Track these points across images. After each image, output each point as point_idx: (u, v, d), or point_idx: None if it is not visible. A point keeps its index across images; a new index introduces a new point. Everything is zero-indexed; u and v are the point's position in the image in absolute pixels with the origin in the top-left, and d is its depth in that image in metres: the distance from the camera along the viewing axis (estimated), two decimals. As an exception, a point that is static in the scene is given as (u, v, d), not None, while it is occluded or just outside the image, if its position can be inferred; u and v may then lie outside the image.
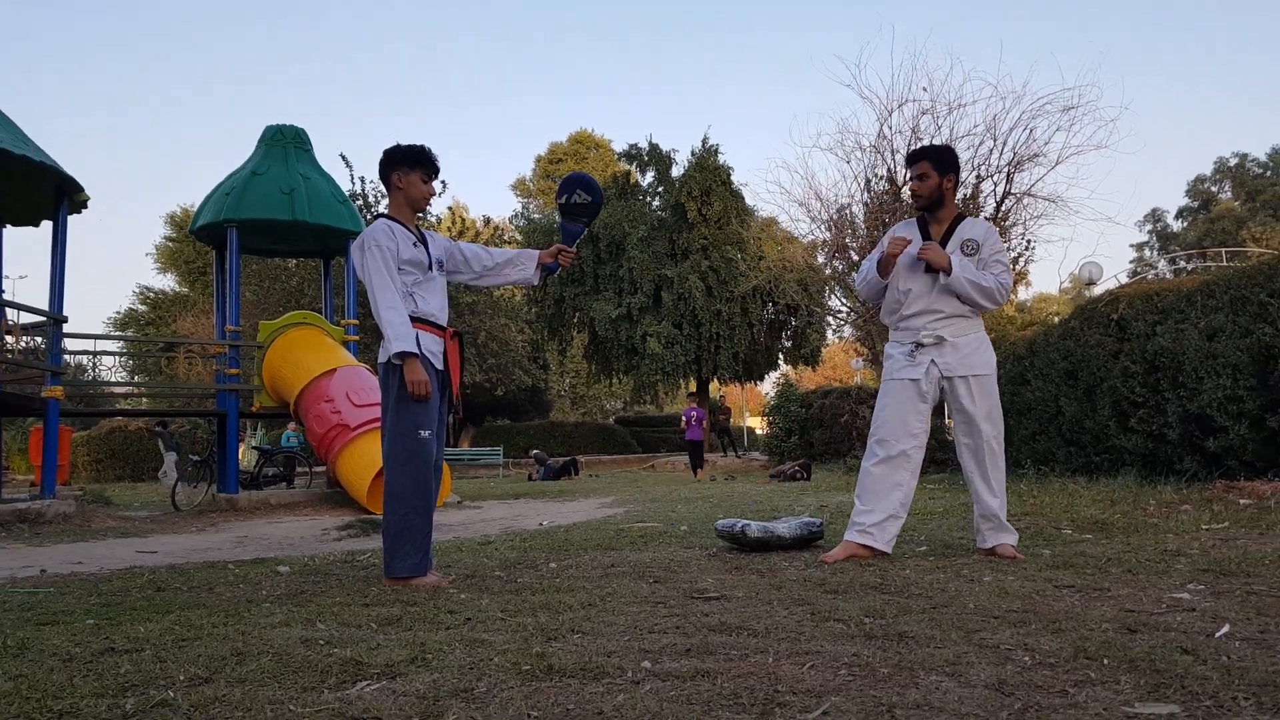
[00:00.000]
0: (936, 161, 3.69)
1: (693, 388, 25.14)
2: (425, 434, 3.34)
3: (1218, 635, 1.95)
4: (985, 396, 3.66)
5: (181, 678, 1.93)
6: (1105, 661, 1.74)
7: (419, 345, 3.37)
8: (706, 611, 2.50)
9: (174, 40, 76.06)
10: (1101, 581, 2.79)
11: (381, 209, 21.41)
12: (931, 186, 3.67)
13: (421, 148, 3.51)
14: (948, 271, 3.56)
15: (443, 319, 3.54)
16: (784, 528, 3.97)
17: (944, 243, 3.66)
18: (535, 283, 3.85)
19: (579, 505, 9.12)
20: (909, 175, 3.79)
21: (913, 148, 11.04)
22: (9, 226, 9.63)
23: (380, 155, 3.52)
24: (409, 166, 3.48)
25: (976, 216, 10.82)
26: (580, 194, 3.79)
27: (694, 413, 16.18)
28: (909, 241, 3.66)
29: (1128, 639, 1.93)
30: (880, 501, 3.60)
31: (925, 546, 3.96)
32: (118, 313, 34.81)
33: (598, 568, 3.59)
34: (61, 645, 2.31)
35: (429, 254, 3.51)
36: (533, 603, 2.76)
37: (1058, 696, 1.54)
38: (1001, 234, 11.11)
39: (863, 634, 2.09)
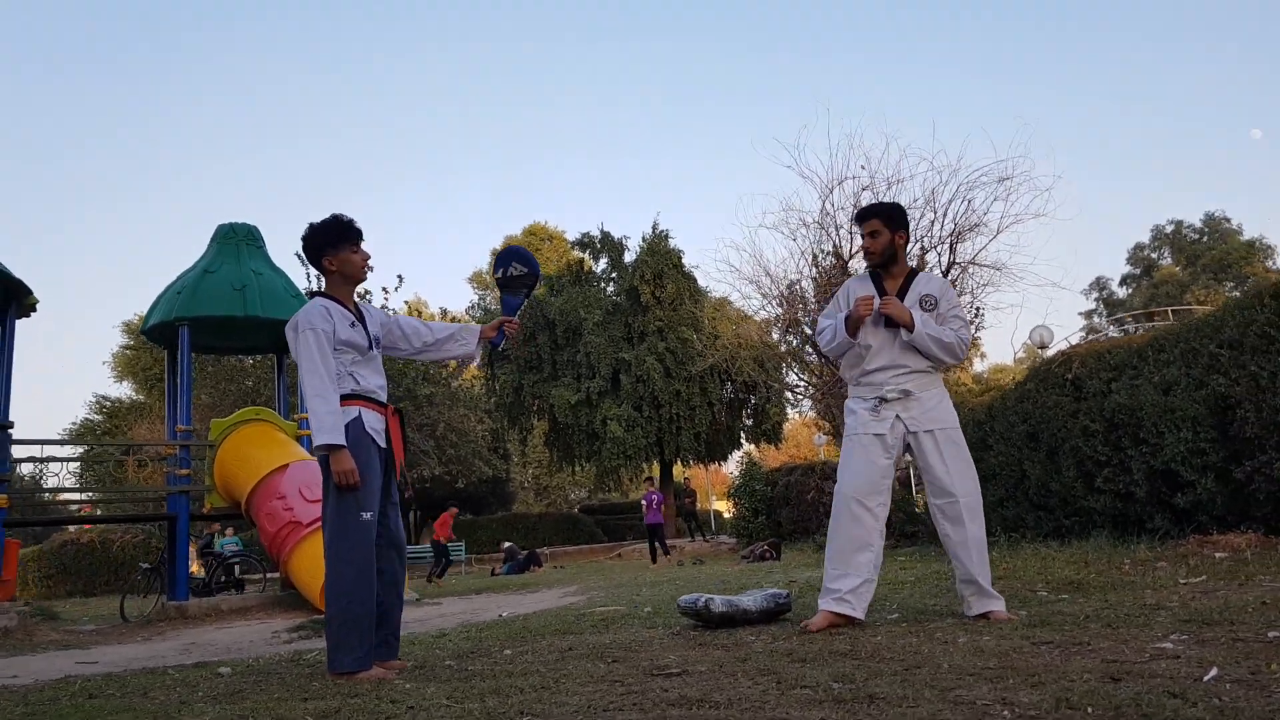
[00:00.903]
0: (886, 219, 3.68)
1: (655, 472, 24.89)
2: (366, 516, 3.17)
3: (1206, 679, 1.84)
4: (954, 450, 3.56)
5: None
6: (1089, 710, 1.62)
7: (363, 423, 3.24)
8: (666, 688, 2.33)
9: (130, 145, 76.59)
10: (1081, 636, 2.68)
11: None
12: (884, 243, 3.65)
13: (337, 219, 3.36)
14: (910, 328, 3.52)
15: (383, 396, 3.41)
16: (749, 601, 3.81)
17: (901, 298, 3.63)
18: (477, 359, 3.75)
19: (541, 596, 8.82)
20: (862, 234, 3.77)
21: (849, 221, 11.28)
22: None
23: (300, 243, 3.39)
24: (336, 242, 3.34)
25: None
26: (516, 266, 3.78)
27: (654, 496, 16.14)
28: (873, 298, 3.63)
29: (1112, 687, 1.81)
30: (853, 565, 3.47)
31: (897, 614, 3.82)
32: (73, 423, 34.02)
33: (554, 651, 3.39)
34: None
35: (367, 332, 3.39)
36: (481, 689, 2.57)
37: (1042, 750, 1.41)
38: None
39: (831, 699, 1.95)
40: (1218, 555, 4.79)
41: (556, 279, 26.11)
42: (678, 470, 27.51)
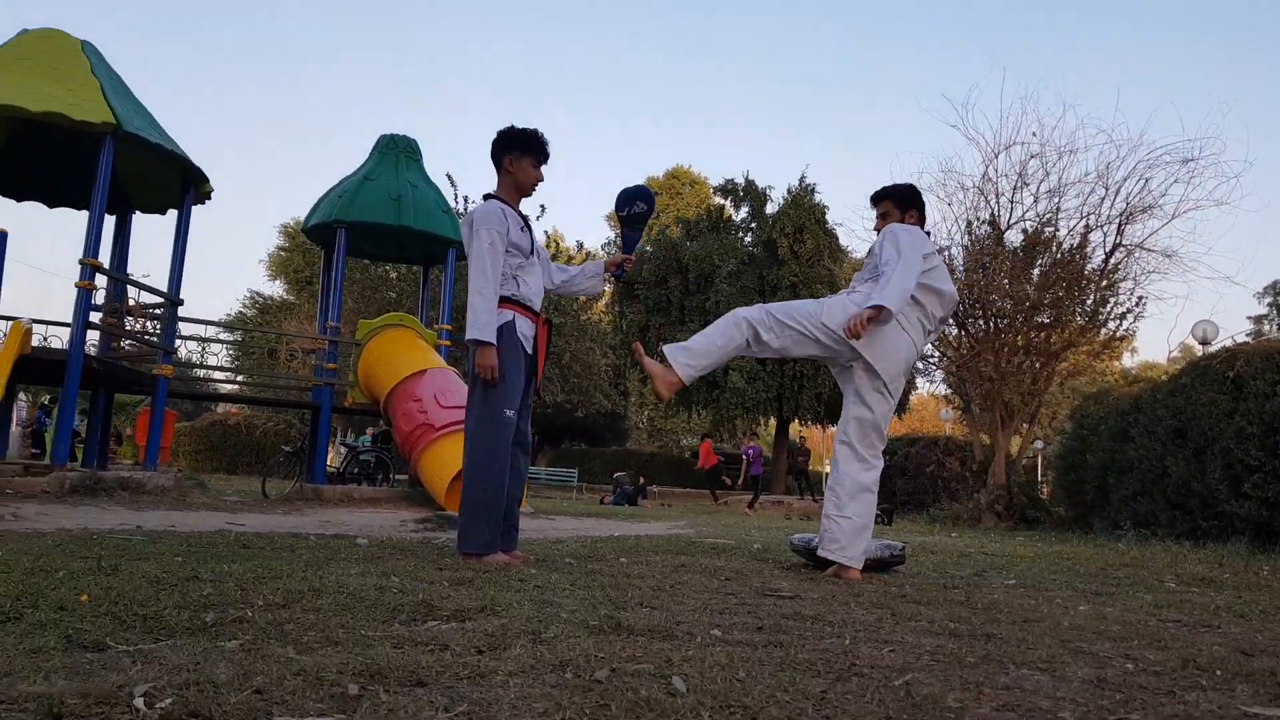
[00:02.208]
0: (898, 200, 3.76)
1: (771, 427, 24.77)
2: (509, 413, 3.35)
3: (1347, 667, 1.78)
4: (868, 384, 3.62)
5: (260, 602, 1.96)
6: (1218, 673, 1.61)
7: (515, 328, 3.41)
8: (779, 605, 2.42)
9: (299, 54, 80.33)
10: (1211, 620, 2.59)
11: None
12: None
13: (535, 132, 3.55)
14: (866, 322, 3.36)
15: (538, 304, 3.58)
16: (864, 548, 3.83)
17: None
18: (599, 291, 3.94)
19: (651, 525, 9.05)
20: (877, 214, 3.85)
21: (1012, 188, 10.75)
22: (138, 214, 10.22)
23: (494, 136, 3.57)
24: (521, 151, 3.52)
25: (1081, 268, 10.49)
26: (639, 205, 3.89)
27: (751, 450, 16.51)
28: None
29: (1242, 659, 1.77)
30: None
31: (1014, 580, 3.77)
32: (228, 314, 36.60)
33: (668, 566, 3.53)
34: (151, 571, 2.39)
35: (532, 239, 3.56)
36: (602, 582, 2.72)
37: (1164, 696, 1.42)
38: (1110, 287, 10.66)
39: (947, 632, 1.99)
40: (1373, 573, 4.47)
41: (694, 223, 26.00)
42: (794, 428, 27.27)
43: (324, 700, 1.18)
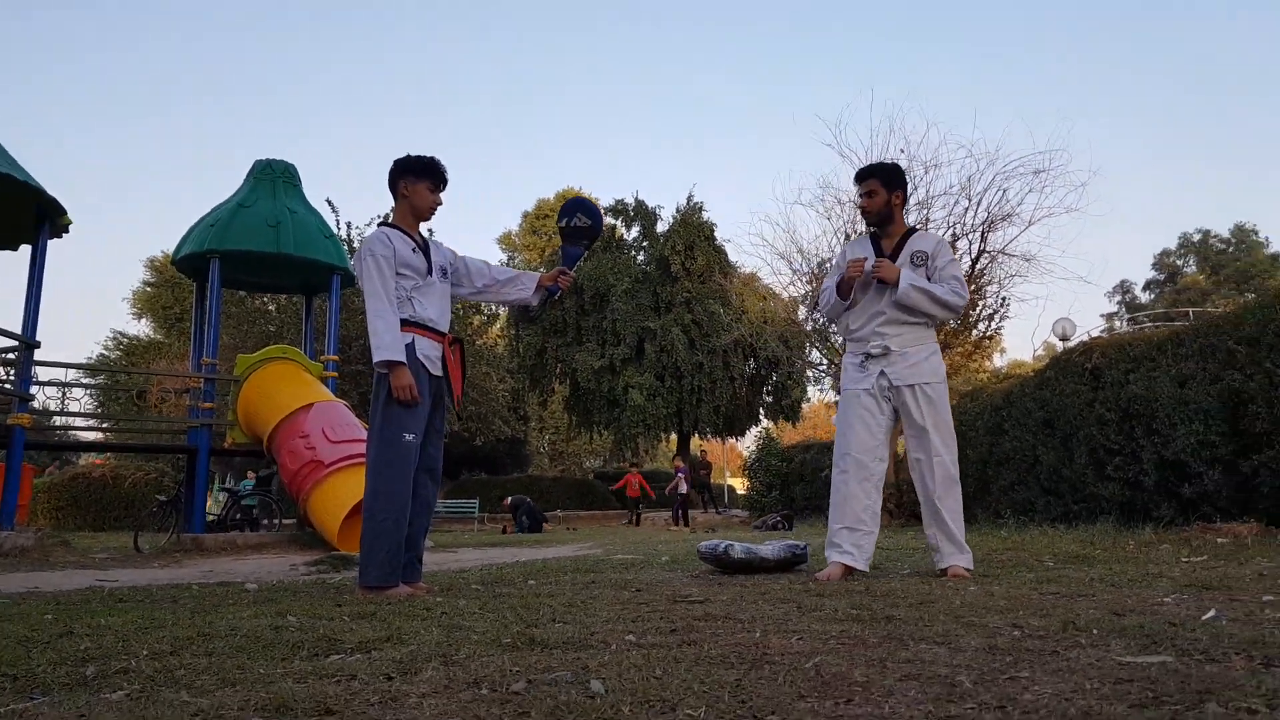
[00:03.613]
0: (884, 178, 3.75)
1: (672, 443, 25.07)
2: (409, 437, 3.29)
3: (1204, 618, 1.93)
4: (933, 407, 3.61)
5: (145, 652, 1.85)
6: (1094, 632, 1.72)
7: (415, 349, 3.36)
8: (690, 609, 2.45)
9: (164, 87, 76.75)
10: (1087, 591, 2.77)
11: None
12: (880, 203, 3.72)
13: (432, 159, 3.55)
14: (896, 285, 3.58)
15: (442, 325, 3.53)
16: (768, 550, 3.93)
17: (894, 257, 3.70)
18: (534, 304, 3.83)
19: (558, 550, 8.98)
20: (859, 193, 3.83)
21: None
22: (-13, 254, 9.54)
23: (390, 164, 3.54)
24: (417, 176, 3.51)
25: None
26: (580, 218, 3.86)
27: (683, 471, 17.81)
28: (864, 260, 3.70)
29: (1115, 619, 1.91)
30: (853, 518, 3.58)
31: (909, 570, 3.93)
32: (89, 358, 34.36)
33: (578, 584, 3.52)
34: (17, 631, 2.22)
35: (429, 260, 3.52)
36: (512, 603, 2.70)
37: (1049, 655, 1.52)
38: (976, 291, 11.28)
39: (851, 618, 2.06)
40: (1219, 540, 4.87)
41: (601, 216, 26.18)
42: (695, 442, 27.61)
43: (228, 735, 1.13)
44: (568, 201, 3.91)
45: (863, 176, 3.80)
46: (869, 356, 3.67)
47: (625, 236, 26.86)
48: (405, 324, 3.37)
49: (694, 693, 1.28)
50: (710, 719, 1.12)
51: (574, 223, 3.83)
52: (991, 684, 1.32)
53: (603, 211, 32.83)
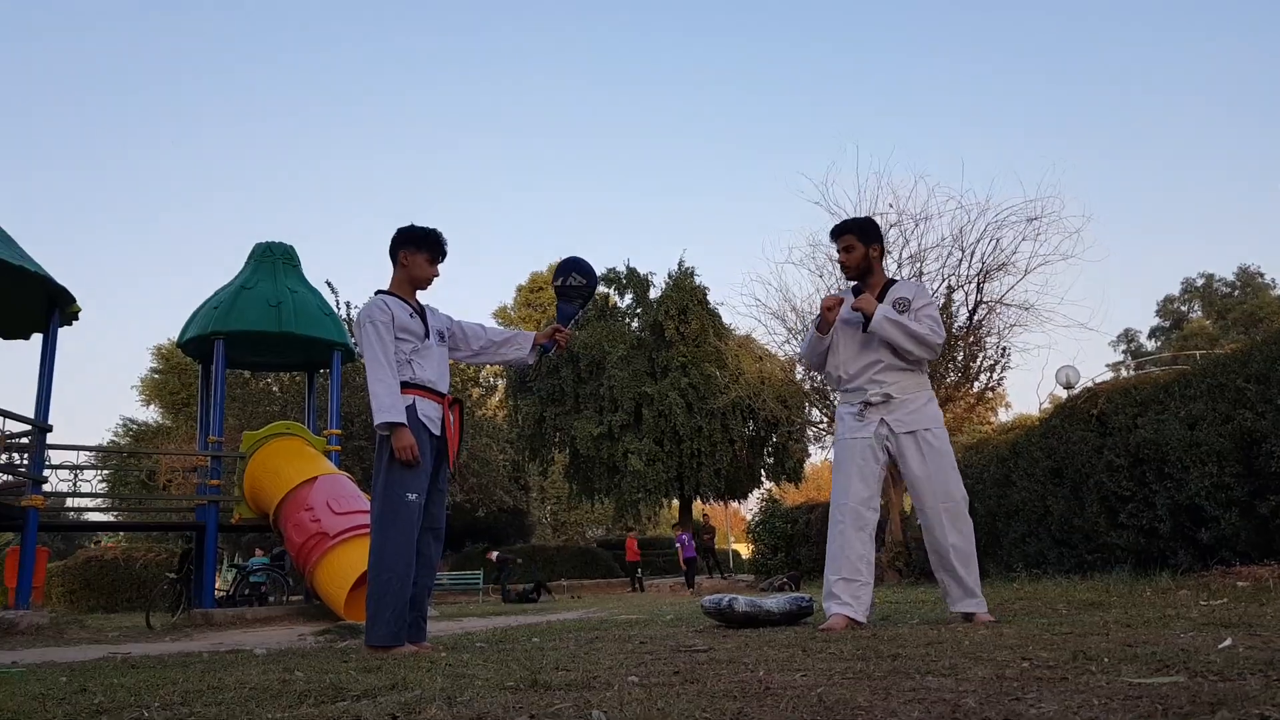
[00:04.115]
0: (860, 233, 3.81)
1: (674, 508, 24.89)
2: (412, 497, 3.31)
3: (1220, 646, 1.91)
4: (936, 453, 3.59)
5: (156, 704, 1.85)
6: (1105, 660, 1.71)
7: (416, 411, 3.40)
8: (694, 656, 2.43)
9: (169, 177, 78.47)
10: (1100, 631, 2.74)
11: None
12: (858, 257, 3.78)
13: (434, 231, 3.65)
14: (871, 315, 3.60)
15: (442, 386, 3.58)
16: (772, 603, 3.88)
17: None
18: (530, 362, 3.93)
19: (561, 614, 8.86)
20: (837, 249, 3.89)
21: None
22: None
23: (393, 232, 3.64)
24: (417, 246, 3.60)
25: (950, 326, 11.13)
26: (575, 277, 3.94)
27: (684, 536, 17.10)
28: (841, 298, 3.75)
29: (1127, 649, 1.89)
30: (851, 569, 3.54)
31: (917, 620, 3.88)
32: (100, 443, 34.49)
33: (582, 640, 3.48)
34: (34, 689, 2.22)
35: (426, 324, 3.58)
36: (517, 657, 2.67)
37: (1058, 682, 1.51)
38: (976, 342, 11.34)
39: (856, 657, 2.04)
40: (1240, 584, 4.79)
41: (580, 315, 26.39)
42: (697, 507, 27.39)
43: (232, 768, 1.13)
44: (563, 261, 3.99)
45: (839, 233, 3.86)
46: (868, 405, 3.66)
47: (619, 304, 27.10)
48: (405, 386, 3.43)
49: (695, 719, 1.28)
50: (714, 740, 1.12)
51: (569, 281, 3.91)
52: (997, 704, 1.31)
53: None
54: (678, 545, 18.87)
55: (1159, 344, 47.27)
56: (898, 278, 4.15)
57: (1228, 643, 1.96)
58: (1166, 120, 73.98)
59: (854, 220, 4.01)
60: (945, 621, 3.59)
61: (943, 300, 11.28)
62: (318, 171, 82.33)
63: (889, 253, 11.38)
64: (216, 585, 11.03)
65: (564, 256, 4.06)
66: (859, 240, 3.78)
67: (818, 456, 26.06)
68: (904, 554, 10.79)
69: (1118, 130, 75.91)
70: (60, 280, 8.45)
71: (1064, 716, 1.16)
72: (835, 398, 3.96)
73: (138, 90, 76.67)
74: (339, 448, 11.02)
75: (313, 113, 79.96)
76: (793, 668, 1.91)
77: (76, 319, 9.20)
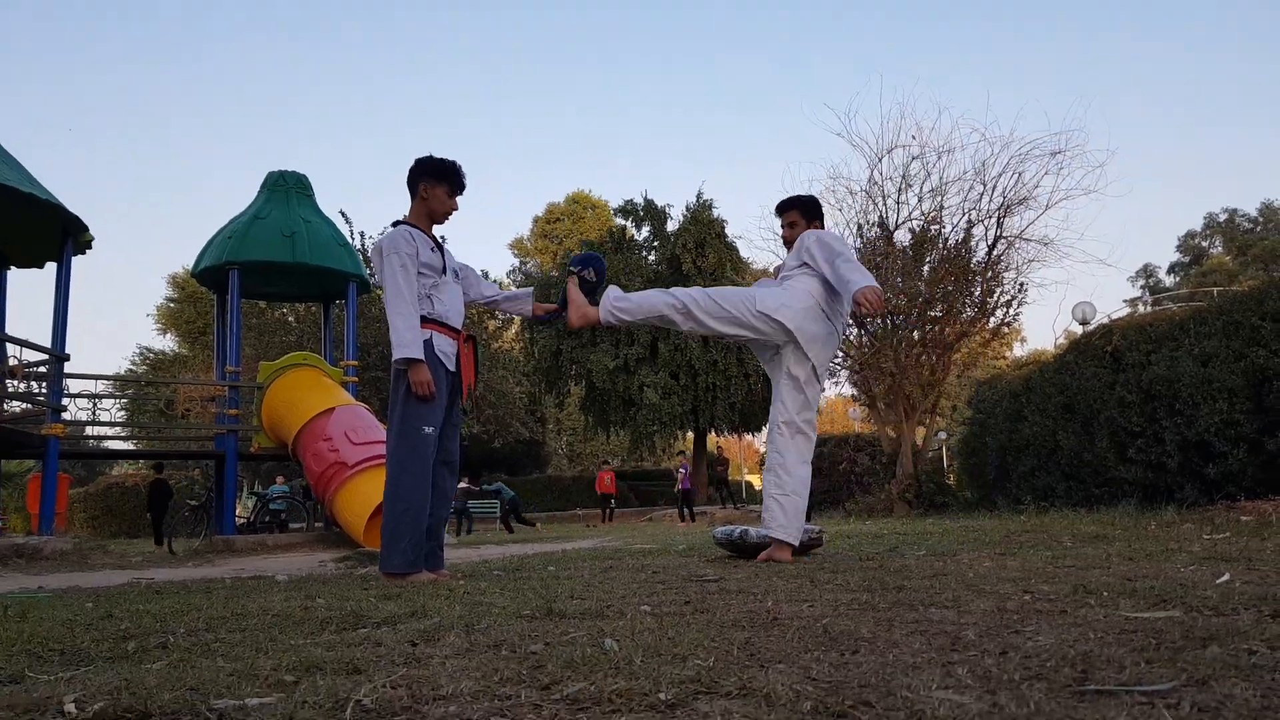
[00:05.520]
0: (804, 210, 3.95)
1: (689, 440, 25.11)
2: (428, 430, 3.36)
3: (1218, 581, 1.95)
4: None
5: (181, 629, 1.93)
6: (1104, 594, 1.75)
7: (433, 346, 3.44)
8: (705, 586, 2.49)
9: (183, 109, 77.68)
10: (1102, 564, 2.79)
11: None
12: (800, 233, 3.88)
13: (453, 163, 3.62)
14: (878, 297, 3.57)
15: (457, 322, 3.61)
16: (784, 534, 3.95)
17: None
18: (530, 317, 4.03)
19: (577, 542, 9.05)
20: (781, 224, 4.02)
21: (898, 190, 11.25)
22: (12, 269, 9.72)
23: (411, 163, 3.61)
24: (436, 179, 3.58)
25: (968, 261, 11.03)
26: (590, 272, 3.99)
27: (685, 468, 18.32)
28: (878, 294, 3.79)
29: (1126, 583, 1.94)
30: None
31: (924, 551, 3.95)
32: (117, 372, 34.90)
33: (596, 569, 3.57)
34: (62, 615, 2.31)
35: (444, 260, 3.59)
36: (533, 585, 2.75)
37: (1058, 615, 1.55)
38: (994, 278, 11.24)
39: (862, 588, 2.10)
40: (1243, 518, 4.84)
41: (598, 246, 26.27)
42: (711, 439, 27.65)
43: (261, 688, 1.19)
44: (582, 254, 4.05)
45: (783, 209, 4.01)
46: None
47: (635, 237, 26.92)
48: (424, 321, 3.45)
49: (704, 648, 1.33)
50: (719, 668, 1.17)
51: (583, 274, 3.98)
52: (996, 636, 1.36)
53: (612, 212, 32.96)
54: (678, 475, 19.23)
55: (1178, 279, 46.69)
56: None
57: (1225, 577, 2.00)
58: (1196, 54, 71.69)
59: (796, 197, 4.10)
60: (950, 553, 3.66)
61: (962, 234, 11.16)
62: (332, 97, 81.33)
63: (910, 185, 11.22)
64: (237, 512, 11.30)
65: (587, 250, 4.14)
66: (802, 216, 3.94)
67: (831, 390, 26.12)
68: (914, 486, 10.91)
69: (1146, 64, 73.70)
70: (72, 208, 8.45)
71: (1059, 649, 1.20)
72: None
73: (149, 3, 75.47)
74: (356, 379, 11.12)
75: (328, 35, 78.64)
76: (800, 598, 1.96)
77: (90, 248, 9.22)
